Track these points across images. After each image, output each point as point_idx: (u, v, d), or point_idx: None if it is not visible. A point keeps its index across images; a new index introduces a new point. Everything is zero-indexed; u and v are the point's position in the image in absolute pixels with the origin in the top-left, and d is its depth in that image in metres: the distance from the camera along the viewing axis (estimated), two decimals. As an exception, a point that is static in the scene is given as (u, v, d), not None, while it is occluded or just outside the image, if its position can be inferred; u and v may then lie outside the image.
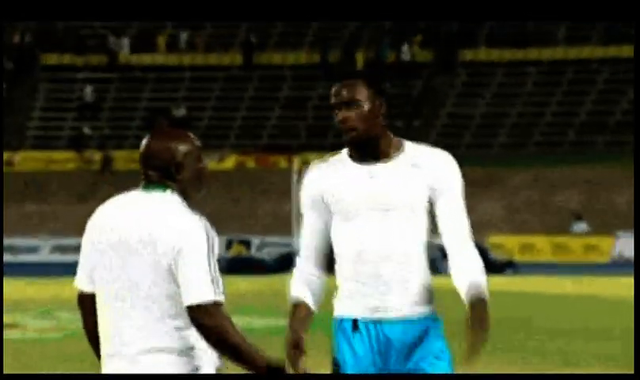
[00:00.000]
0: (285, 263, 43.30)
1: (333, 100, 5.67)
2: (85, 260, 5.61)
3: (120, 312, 5.53)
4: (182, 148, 5.49)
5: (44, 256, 54.85)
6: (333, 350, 5.66)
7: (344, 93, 5.61)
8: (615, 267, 46.81)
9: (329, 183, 5.75)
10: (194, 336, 5.53)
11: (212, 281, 5.46)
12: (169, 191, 5.55)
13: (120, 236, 5.50)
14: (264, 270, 42.68)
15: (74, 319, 23.80)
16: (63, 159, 64.70)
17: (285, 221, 50.99)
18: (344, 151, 5.83)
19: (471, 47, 66.27)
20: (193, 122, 65.26)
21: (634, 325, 6.81)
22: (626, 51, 64.37)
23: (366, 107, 5.58)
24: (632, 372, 6.43)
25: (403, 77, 64.83)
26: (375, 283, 5.49)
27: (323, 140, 63.56)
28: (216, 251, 5.50)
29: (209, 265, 5.49)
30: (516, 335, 19.25)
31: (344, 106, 5.62)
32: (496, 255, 45.23)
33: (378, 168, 5.60)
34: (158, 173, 5.52)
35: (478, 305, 5.38)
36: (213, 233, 5.52)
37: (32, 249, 56.01)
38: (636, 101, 51.52)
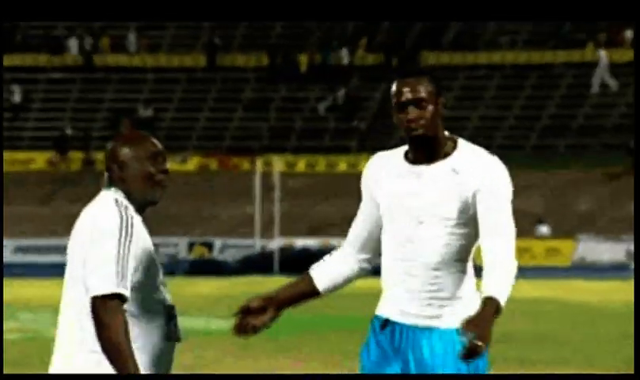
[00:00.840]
0: (248, 265, 43.23)
1: (397, 98, 5.40)
2: None
3: (62, 308, 5.51)
4: (126, 150, 5.43)
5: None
6: None
7: (410, 91, 5.38)
8: (576, 270, 46.94)
9: (383, 179, 5.51)
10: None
11: (116, 274, 5.24)
12: (112, 190, 5.46)
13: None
14: (227, 272, 42.48)
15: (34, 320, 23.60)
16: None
17: (248, 223, 50.89)
18: (404, 148, 5.51)
19: (434, 50, 66.32)
20: (156, 123, 65.13)
21: (634, 325, 6.62)
22: (589, 54, 64.64)
23: (431, 107, 5.38)
24: (630, 372, 6.32)
25: (364, 80, 64.86)
26: (404, 289, 5.36)
27: (286, 142, 63.51)
28: (142, 248, 5.34)
29: (116, 258, 5.25)
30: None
31: (410, 105, 5.37)
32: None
33: (423, 171, 5.40)
34: (108, 173, 5.47)
35: (489, 302, 5.10)
36: (140, 231, 5.35)
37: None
38: (636, 101, 51.16)
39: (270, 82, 67.07)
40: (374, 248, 5.59)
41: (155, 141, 5.51)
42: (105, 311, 5.24)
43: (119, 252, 5.28)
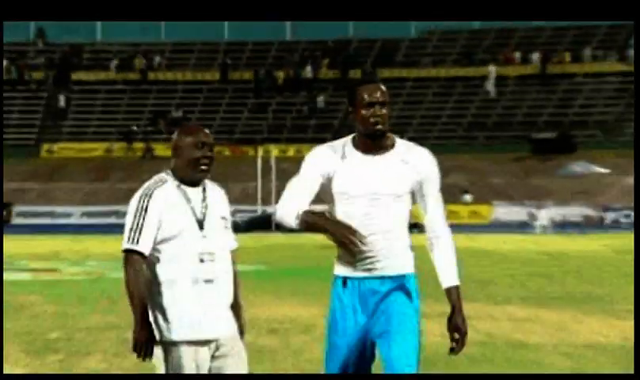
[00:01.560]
0: (253, 225, 43.33)
1: (369, 98, 5.13)
2: None
3: None
4: (180, 138, 5.23)
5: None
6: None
7: (379, 94, 5.15)
8: (493, 227, 47.08)
9: (337, 164, 5.21)
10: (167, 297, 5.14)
11: (131, 230, 5.11)
12: (165, 170, 5.29)
13: None
14: (238, 230, 42.60)
15: (100, 266, 23.77)
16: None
17: (252, 195, 50.96)
18: (349, 139, 5.28)
19: (388, 67, 66.18)
20: (184, 122, 65.06)
21: (634, 325, 6.17)
22: (497, 71, 64.83)
23: (388, 109, 5.20)
24: (631, 372, 5.89)
25: (334, 89, 64.76)
26: (360, 252, 5.11)
27: (280, 135, 63.45)
28: (166, 211, 5.11)
29: (132, 223, 5.10)
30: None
31: (377, 105, 5.14)
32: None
33: (376, 160, 5.19)
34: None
35: (456, 293, 5.25)
36: (166, 199, 5.14)
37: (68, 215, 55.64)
38: (636, 101, 50.24)
39: (256, 94, 67.18)
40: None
41: (207, 132, 5.28)
42: (123, 263, 5.13)
43: (134, 217, 5.13)
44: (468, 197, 53.90)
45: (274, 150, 52.21)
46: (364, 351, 5.20)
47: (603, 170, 51.97)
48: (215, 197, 5.39)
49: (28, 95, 67.71)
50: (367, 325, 5.18)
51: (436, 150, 5.85)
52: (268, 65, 69.10)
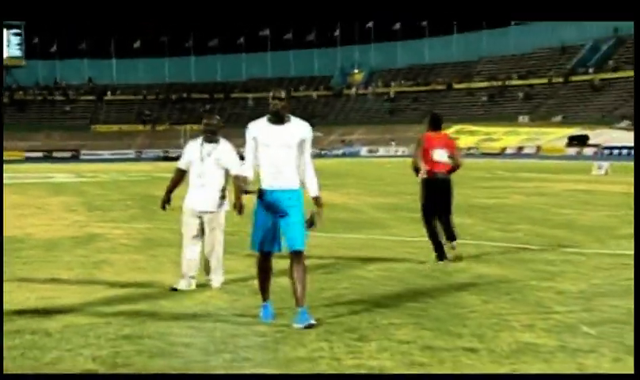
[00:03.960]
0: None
1: (274, 95, 8.47)
2: None
3: None
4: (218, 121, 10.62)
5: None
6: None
7: (280, 93, 8.49)
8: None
9: (261, 130, 8.51)
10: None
11: (181, 161, 10.64)
12: (220, 138, 10.55)
13: None
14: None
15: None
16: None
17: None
18: (266, 118, 8.56)
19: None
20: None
21: (634, 324, 7.04)
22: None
23: (286, 102, 8.46)
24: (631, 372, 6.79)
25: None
26: (273, 177, 8.43)
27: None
28: (190, 153, 10.65)
29: (182, 156, 10.66)
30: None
31: (277, 99, 8.43)
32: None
33: (281, 128, 8.47)
34: (215, 132, 10.51)
35: (319, 200, 8.50)
36: (191, 148, 10.58)
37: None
38: (636, 100, 49.83)
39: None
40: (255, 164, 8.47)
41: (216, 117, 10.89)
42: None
43: (183, 153, 10.62)
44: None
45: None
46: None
47: None
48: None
49: None
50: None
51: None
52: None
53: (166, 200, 10.58)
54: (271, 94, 8.48)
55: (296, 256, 8.35)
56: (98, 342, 7.73)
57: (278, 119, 8.47)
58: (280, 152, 8.39)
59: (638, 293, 8.58)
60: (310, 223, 8.36)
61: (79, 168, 62.40)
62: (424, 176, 12.21)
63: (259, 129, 8.50)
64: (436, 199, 12.32)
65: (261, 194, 8.47)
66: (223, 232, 10.48)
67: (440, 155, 12.33)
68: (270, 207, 8.40)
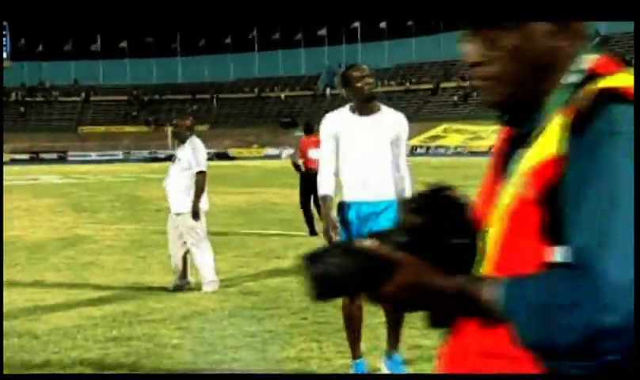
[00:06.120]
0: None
1: (362, 74, 6.34)
2: None
3: None
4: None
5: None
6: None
7: (368, 71, 6.40)
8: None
9: (346, 125, 6.35)
10: None
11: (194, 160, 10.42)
12: (190, 138, 10.77)
13: None
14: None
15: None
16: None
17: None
18: (348, 108, 6.43)
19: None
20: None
21: (634, 323, 6.96)
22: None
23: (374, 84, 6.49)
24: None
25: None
26: (362, 186, 6.35)
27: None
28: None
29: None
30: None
31: (368, 78, 6.39)
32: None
33: (372, 119, 6.36)
34: (179, 134, 10.82)
35: None
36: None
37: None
38: (636, 100, 51.58)
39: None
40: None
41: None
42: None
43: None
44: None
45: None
46: None
47: None
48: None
49: None
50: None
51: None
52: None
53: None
54: (356, 73, 6.32)
55: None
56: (86, 344, 7.70)
57: (368, 108, 6.37)
58: (371, 151, 6.36)
59: (638, 293, 8.54)
60: None
61: (66, 169, 62.55)
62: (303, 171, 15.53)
63: (342, 123, 6.36)
64: (313, 191, 13.91)
65: (343, 208, 6.42)
66: (197, 234, 10.26)
67: (314, 154, 14.18)
68: (356, 225, 6.33)
